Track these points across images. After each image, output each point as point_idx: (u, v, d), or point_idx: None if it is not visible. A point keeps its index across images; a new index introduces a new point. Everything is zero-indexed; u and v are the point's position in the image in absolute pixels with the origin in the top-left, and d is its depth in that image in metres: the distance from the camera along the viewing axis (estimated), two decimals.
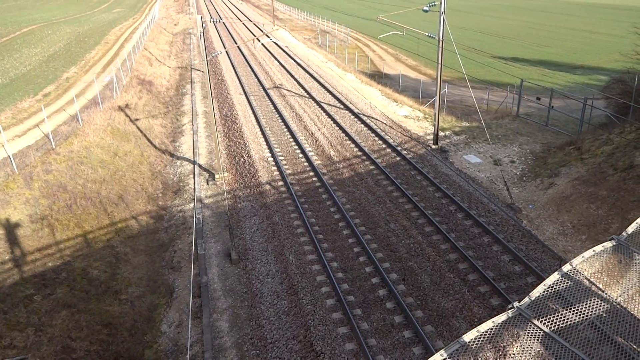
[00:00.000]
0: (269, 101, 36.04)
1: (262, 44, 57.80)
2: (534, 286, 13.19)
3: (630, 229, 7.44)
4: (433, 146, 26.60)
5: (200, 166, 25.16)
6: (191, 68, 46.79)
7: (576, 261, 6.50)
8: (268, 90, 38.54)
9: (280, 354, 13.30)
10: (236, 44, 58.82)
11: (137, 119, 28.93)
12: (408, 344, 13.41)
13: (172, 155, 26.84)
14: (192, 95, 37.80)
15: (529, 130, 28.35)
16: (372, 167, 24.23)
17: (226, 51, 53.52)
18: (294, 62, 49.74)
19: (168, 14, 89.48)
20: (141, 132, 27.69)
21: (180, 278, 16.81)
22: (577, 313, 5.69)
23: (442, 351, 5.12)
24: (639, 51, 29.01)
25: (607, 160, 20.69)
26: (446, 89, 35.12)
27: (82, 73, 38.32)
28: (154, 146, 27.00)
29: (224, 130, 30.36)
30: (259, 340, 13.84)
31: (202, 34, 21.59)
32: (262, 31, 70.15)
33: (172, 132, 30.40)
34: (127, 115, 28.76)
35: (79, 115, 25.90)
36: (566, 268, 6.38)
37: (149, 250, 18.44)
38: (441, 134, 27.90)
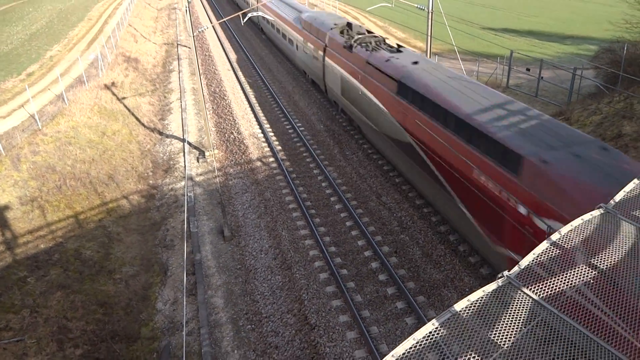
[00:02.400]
0: (257, 77, 35.64)
1: (250, 17, 56.81)
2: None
3: (618, 197, 7.54)
4: None
5: (190, 144, 24.98)
6: (177, 44, 46.00)
7: (564, 230, 6.59)
8: (256, 65, 38.08)
9: (276, 328, 13.50)
10: (223, 18, 57.73)
11: (124, 98, 28.54)
12: (401, 314, 13.65)
13: (161, 133, 26.60)
14: (179, 72, 37.26)
15: (519, 101, 28.33)
16: (361, 141, 24.20)
17: (212, 26, 52.59)
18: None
19: None
20: (129, 110, 27.35)
21: (173, 256, 16.88)
22: (565, 280, 5.80)
23: (433, 320, 5.21)
24: (629, 20, 28.91)
25: (596, 129, 20.82)
26: (436, 61, 34.85)
27: (66, 51, 37.55)
28: (143, 125, 26.72)
29: (212, 107, 30.07)
30: (254, 315, 14.02)
31: (187, 8, 21.17)
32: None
33: (161, 110, 30.05)
34: (113, 94, 28.35)
35: (64, 95, 25.48)
36: (555, 237, 6.47)
37: (141, 229, 18.43)
38: None
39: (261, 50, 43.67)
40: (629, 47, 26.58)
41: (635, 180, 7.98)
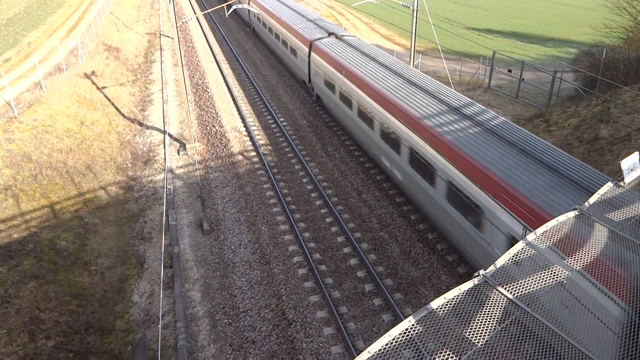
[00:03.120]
0: (241, 70, 35.37)
1: (234, 10, 56.27)
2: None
3: (592, 199, 7.68)
4: None
5: (170, 136, 24.69)
6: (160, 34, 45.35)
7: (540, 230, 6.69)
8: (240, 59, 37.77)
9: (253, 323, 13.45)
10: (207, 9, 57.11)
11: (104, 87, 28.05)
12: (378, 311, 13.73)
13: (141, 124, 26.22)
14: (161, 63, 36.75)
15: (500, 102, 28.69)
16: (344, 137, 24.21)
17: (197, 17, 51.99)
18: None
19: None
20: (109, 100, 26.89)
21: (151, 249, 16.68)
22: (539, 280, 5.89)
23: (410, 317, 5.24)
24: (608, 25, 29.45)
25: (574, 132, 21.18)
26: (420, 60, 35.08)
27: (45, 38, 36.71)
28: (123, 115, 26.30)
29: (195, 99, 29.75)
30: (232, 309, 13.95)
31: None
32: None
33: (141, 100, 29.62)
34: (93, 83, 27.83)
35: (42, 82, 24.91)
36: (530, 237, 6.56)
37: (118, 221, 18.17)
38: None
39: (245, 43, 43.34)
40: (607, 52, 27.11)
41: (609, 184, 8.14)
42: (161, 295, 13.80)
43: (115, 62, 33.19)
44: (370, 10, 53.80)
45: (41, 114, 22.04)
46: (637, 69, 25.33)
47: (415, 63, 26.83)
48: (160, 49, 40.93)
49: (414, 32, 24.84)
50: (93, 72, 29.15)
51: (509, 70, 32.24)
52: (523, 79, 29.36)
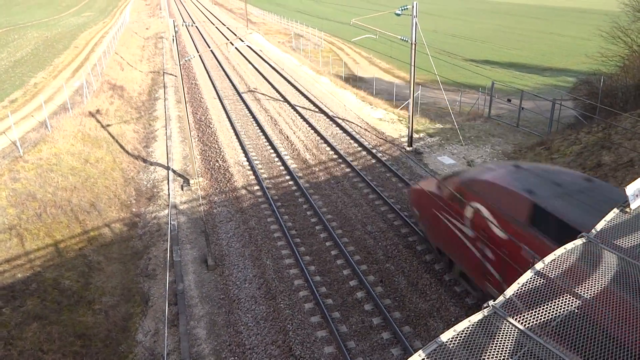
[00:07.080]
0: (243, 105, 35.85)
1: (236, 47, 57.48)
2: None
3: (599, 226, 7.63)
4: (408, 148, 26.84)
5: (174, 172, 24.83)
6: (164, 72, 46.21)
7: (548, 259, 6.63)
8: (242, 94, 38.34)
9: None
10: (209, 47, 58.33)
11: (108, 125, 28.40)
12: (387, 345, 13.47)
13: (145, 161, 26.42)
14: (165, 100, 37.32)
15: (501, 131, 28.88)
16: (347, 169, 24.31)
17: (199, 55, 53.04)
18: (268, 66, 49.61)
19: (139, 18, 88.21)
20: (113, 138, 27.19)
21: (155, 286, 16.54)
22: (550, 310, 5.80)
23: (420, 351, 5.14)
24: (604, 53, 29.91)
25: (576, 159, 21.22)
26: (419, 92, 35.53)
27: (51, 78, 37.45)
28: (127, 152, 26.54)
29: (198, 135, 30.06)
30: (238, 346, 13.71)
31: (174, 37, 21.34)
32: (235, 35, 69.73)
33: (145, 137, 29.94)
34: (98, 121, 28.20)
35: (47, 122, 25.28)
36: (539, 266, 6.50)
37: (122, 258, 18.08)
38: (415, 135, 28.19)
39: (247, 79, 44.07)
40: (605, 79, 27.44)
41: (616, 210, 8.10)
42: (166, 334, 13.60)
43: (120, 100, 33.72)
44: (370, 44, 54.86)
45: (46, 153, 22.26)
46: (635, 95, 25.58)
47: (415, 95, 27.16)
48: (164, 86, 41.63)
49: (413, 64, 25.24)
50: (98, 111, 29.59)
51: (508, 100, 32.57)
52: (523, 107, 29.62)
